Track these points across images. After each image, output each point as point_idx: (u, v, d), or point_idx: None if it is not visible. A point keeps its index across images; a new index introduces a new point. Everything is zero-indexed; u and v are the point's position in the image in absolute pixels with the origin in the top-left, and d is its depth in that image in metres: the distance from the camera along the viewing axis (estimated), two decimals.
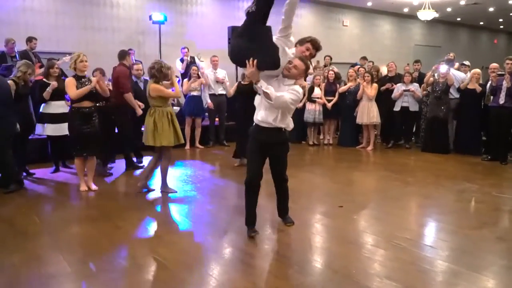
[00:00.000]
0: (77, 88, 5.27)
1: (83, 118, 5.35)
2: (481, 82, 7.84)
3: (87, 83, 5.36)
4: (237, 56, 3.85)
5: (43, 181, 6.08)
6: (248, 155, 4.05)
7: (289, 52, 3.78)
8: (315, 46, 3.91)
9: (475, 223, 4.43)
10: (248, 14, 3.68)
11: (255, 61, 3.59)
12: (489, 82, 7.45)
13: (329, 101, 8.77)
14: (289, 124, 3.94)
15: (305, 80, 8.33)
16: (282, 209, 4.30)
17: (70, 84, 5.31)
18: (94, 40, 10.98)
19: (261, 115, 3.83)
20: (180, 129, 5.40)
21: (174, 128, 5.25)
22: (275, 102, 3.63)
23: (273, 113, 3.78)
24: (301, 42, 3.90)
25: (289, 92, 3.70)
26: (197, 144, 8.61)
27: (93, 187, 5.59)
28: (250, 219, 3.98)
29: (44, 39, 9.74)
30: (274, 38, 3.70)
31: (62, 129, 5.99)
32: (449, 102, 7.98)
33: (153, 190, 5.56)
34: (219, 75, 8.73)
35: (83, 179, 5.57)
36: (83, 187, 5.53)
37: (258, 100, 3.97)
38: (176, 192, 5.47)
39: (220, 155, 8.18)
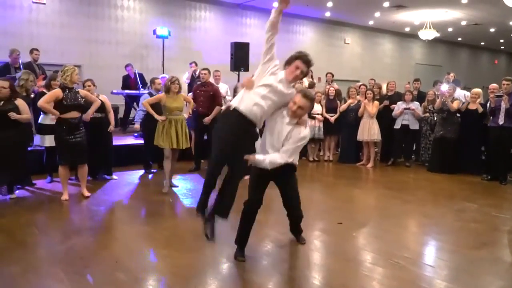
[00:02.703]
0: (67, 97, 5.35)
1: (70, 129, 5.45)
2: (482, 102, 7.88)
3: (76, 93, 5.50)
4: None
5: (42, 192, 6.09)
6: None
7: (280, 76, 3.48)
8: (305, 61, 3.50)
9: (474, 243, 4.42)
10: None
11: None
12: (489, 103, 7.49)
13: (332, 117, 8.83)
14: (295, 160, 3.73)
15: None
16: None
17: (51, 94, 5.43)
18: (98, 53, 11.12)
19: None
20: (176, 136, 6.07)
21: (167, 133, 6.04)
22: (271, 167, 3.53)
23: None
24: (289, 61, 3.53)
25: (289, 146, 3.54)
26: None
27: (86, 193, 5.75)
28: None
29: (49, 51, 9.87)
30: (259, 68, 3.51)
31: None
32: (457, 122, 7.98)
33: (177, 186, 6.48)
34: (221, 90, 8.79)
35: (66, 188, 5.64)
36: (65, 196, 5.58)
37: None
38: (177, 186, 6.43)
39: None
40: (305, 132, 3.61)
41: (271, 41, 3.46)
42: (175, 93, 6.17)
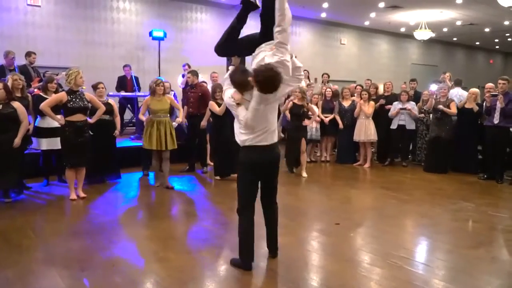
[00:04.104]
0: (72, 100, 5.50)
1: (76, 131, 5.56)
2: (478, 101, 7.90)
3: (81, 96, 5.64)
4: None
5: (38, 195, 6.06)
6: None
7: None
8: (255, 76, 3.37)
9: (471, 242, 4.42)
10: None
11: None
12: (485, 102, 7.51)
13: (327, 118, 8.82)
14: (240, 138, 3.57)
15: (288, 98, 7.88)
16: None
17: (54, 97, 5.61)
18: (94, 55, 11.07)
19: None
20: (159, 137, 6.22)
21: (150, 135, 6.22)
22: None
23: None
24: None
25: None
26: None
27: (82, 195, 5.85)
28: None
29: (45, 53, 9.82)
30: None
31: (57, 143, 5.97)
32: (451, 122, 8.00)
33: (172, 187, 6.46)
34: None
35: (73, 189, 5.78)
36: (73, 196, 5.72)
37: None
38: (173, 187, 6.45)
39: None
40: (226, 95, 3.76)
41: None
42: (160, 95, 6.35)
